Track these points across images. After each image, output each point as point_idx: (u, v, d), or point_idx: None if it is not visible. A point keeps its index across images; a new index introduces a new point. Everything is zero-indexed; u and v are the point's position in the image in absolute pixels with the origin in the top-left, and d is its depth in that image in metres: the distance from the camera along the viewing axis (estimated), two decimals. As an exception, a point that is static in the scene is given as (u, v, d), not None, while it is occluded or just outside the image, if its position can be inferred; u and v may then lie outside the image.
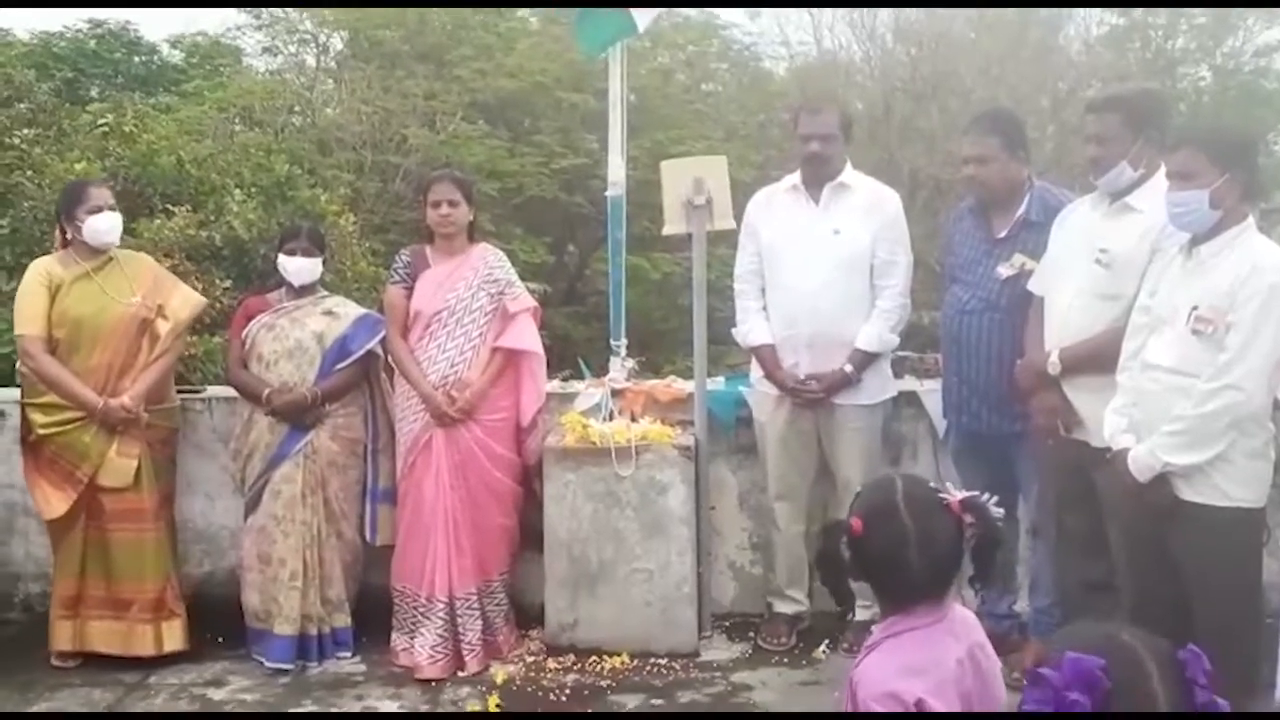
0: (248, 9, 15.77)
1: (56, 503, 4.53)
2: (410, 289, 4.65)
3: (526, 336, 4.70)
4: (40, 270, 4.58)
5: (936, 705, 2.05)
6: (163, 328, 4.61)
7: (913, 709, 2.04)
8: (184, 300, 4.76)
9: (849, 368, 4.54)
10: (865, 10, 17.04)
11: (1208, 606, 3.37)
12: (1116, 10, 17.26)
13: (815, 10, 17.47)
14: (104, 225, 4.57)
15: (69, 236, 4.62)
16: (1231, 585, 3.41)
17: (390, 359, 4.72)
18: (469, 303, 4.62)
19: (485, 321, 4.64)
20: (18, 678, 4.54)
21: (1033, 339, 4.04)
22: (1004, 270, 4.22)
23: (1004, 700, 2.15)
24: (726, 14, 17.85)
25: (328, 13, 15.55)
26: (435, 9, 15.31)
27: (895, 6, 16.40)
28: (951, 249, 4.50)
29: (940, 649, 2.13)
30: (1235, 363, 3.26)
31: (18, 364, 4.71)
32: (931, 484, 2.21)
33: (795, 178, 4.71)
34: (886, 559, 2.13)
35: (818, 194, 4.63)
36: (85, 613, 4.60)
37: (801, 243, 4.60)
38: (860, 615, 4.56)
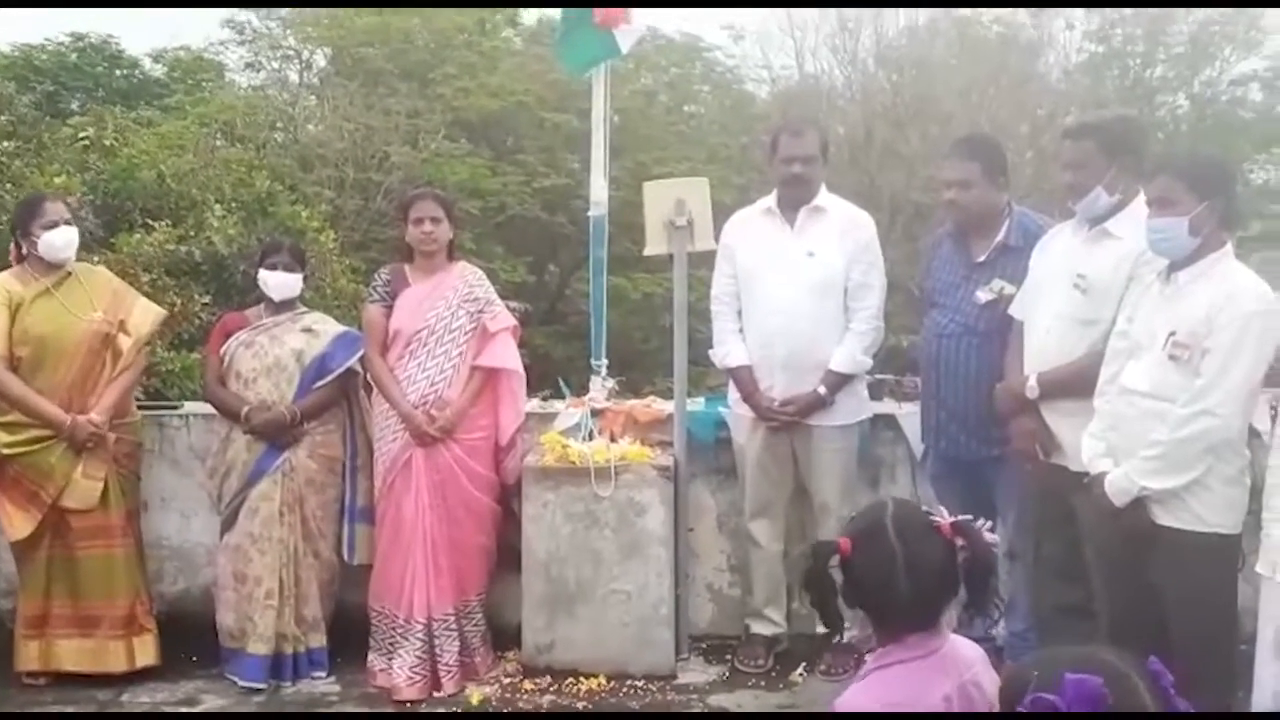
0: (231, 23, 15.77)
1: (20, 523, 4.46)
2: (390, 308, 4.63)
3: (506, 355, 4.69)
4: None
5: None
6: (125, 343, 4.56)
7: None
8: (144, 313, 4.71)
9: (822, 389, 4.55)
10: (847, 35, 17.18)
11: (1183, 631, 3.38)
12: (1095, 38, 17.44)
13: (797, 34, 17.61)
14: (60, 240, 4.50)
15: (24, 251, 4.54)
16: (1207, 610, 3.42)
17: (369, 378, 4.70)
18: (449, 321, 4.60)
19: (465, 340, 4.62)
20: (-12, 694, 4.50)
21: (1012, 363, 4.05)
22: (983, 295, 4.24)
23: None
24: (709, 37, 18.01)
25: (311, 29, 15.58)
26: (418, 26, 15.34)
27: (888, 6, 16.52)
28: (930, 273, 4.52)
29: (924, 685, 2.11)
30: (1211, 389, 3.28)
31: None
32: (925, 509, 2.21)
33: (770, 200, 4.73)
34: (874, 582, 2.11)
35: (793, 217, 4.65)
36: (51, 632, 4.54)
37: (777, 265, 4.62)
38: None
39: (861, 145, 15.76)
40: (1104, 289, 3.76)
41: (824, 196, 4.67)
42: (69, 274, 4.57)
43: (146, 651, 4.60)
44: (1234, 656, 3.51)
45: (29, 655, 4.55)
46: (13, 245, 4.63)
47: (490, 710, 4.38)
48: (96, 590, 4.54)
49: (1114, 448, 3.50)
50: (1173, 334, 3.36)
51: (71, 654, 4.54)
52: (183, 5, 15.53)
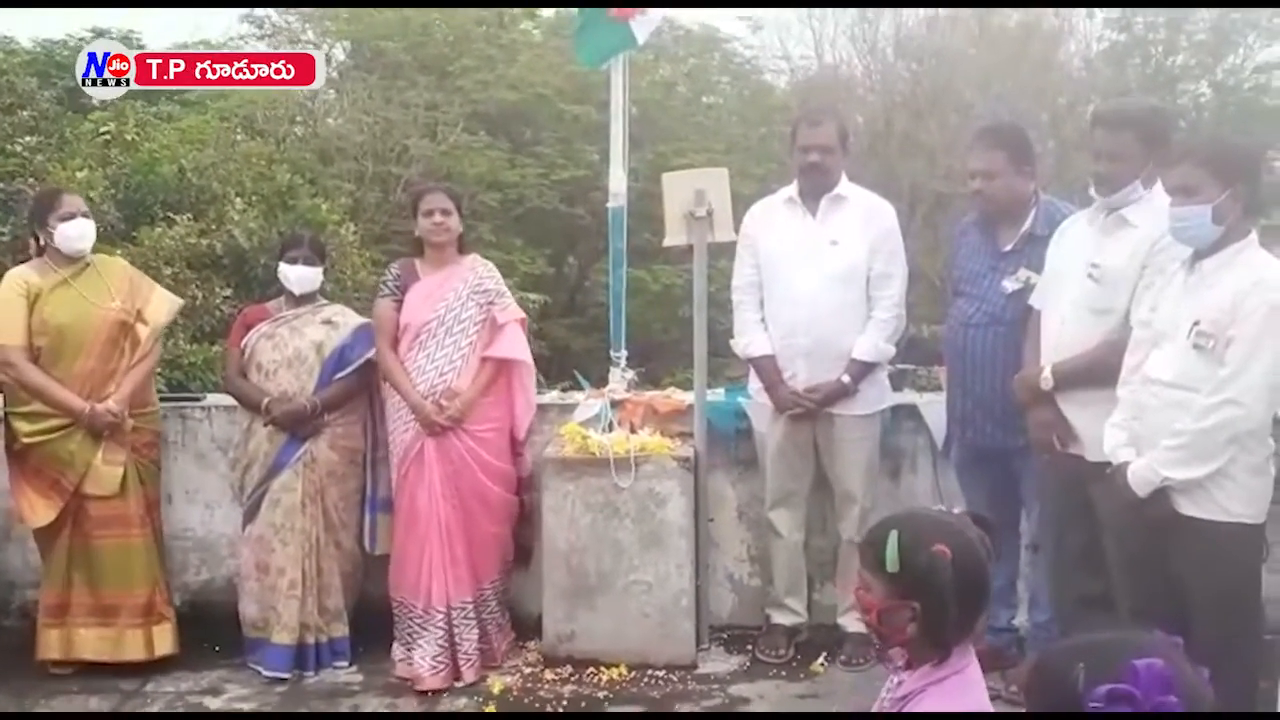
0: (251, 17, 15.80)
1: (43, 511, 4.51)
2: (400, 302, 4.64)
3: (516, 346, 4.70)
4: (17, 279, 4.54)
5: None
6: (142, 331, 4.59)
7: None
8: (161, 302, 4.74)
9: (846, 378, 4.54)
10: (866, 25, 17.12)
11: (1206, 622, 3.35)
12: (1117, 26, 17.32)
13: (816, 24, 17.55)
14: (75, 232, 4.53)
15: (43, 244, 4.58)
16: (1230, 601, 3.40)
17: (380, 371, 4.71)
18: (458, 313, 4.61)
19: (475, 331, 4.63)
20: (13, 684, 4.53)
21: (1030, 353, 4.04)
22: (1009, 284, 4.22)
23: None
24: (728, 27, 17.94)
25: (330, 23, 15.60)
26: (437, 19, 15.34)
27: (897, 6, 16.45)
28: (956, 262, 4.50)
29: (982, 689, 2.13)
30: (1235, 378, 3.25)
31: None
32: (938, 508, 2.22)
33: (792, 190, 4.73)
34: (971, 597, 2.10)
35: (815, 206, 4.64)
36: (72, 621, 4.58)
37: (799, 254, 4.61)
38: (857, 628, 4.57)
39: (881, 135, 15.70)
40: (1118, 278, 3.74)
41: (845, 185, 4.66)
42: (87, 265, 4.61)
43: (165, 641, 4.63)
44: (1258, 647, 3.49)
45: (49, 644, 4.59)
46: (32, 239, 4.67)
47: (511, 700, 4.39)
48: (115, 579, 4.57)
49: (1137, 437, 3.48)
50: (1197, 323, 3.33)
51: (91, 643, 4.57)
52: (200, 5, 15.54)
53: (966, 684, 2.11)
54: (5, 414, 4.61)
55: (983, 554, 2.09)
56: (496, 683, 4.49)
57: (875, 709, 2.23)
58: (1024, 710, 1.72)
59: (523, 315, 4.81)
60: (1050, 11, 17.03)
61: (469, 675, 4.52)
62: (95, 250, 4.73)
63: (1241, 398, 3.25)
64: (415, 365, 4.58)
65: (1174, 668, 1.59)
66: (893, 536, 2.08)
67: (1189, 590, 3.41)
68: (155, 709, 4.37)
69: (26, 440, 4.50)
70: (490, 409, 4.64)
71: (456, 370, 4.58)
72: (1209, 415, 3.28)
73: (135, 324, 4.60)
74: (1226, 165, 3.37)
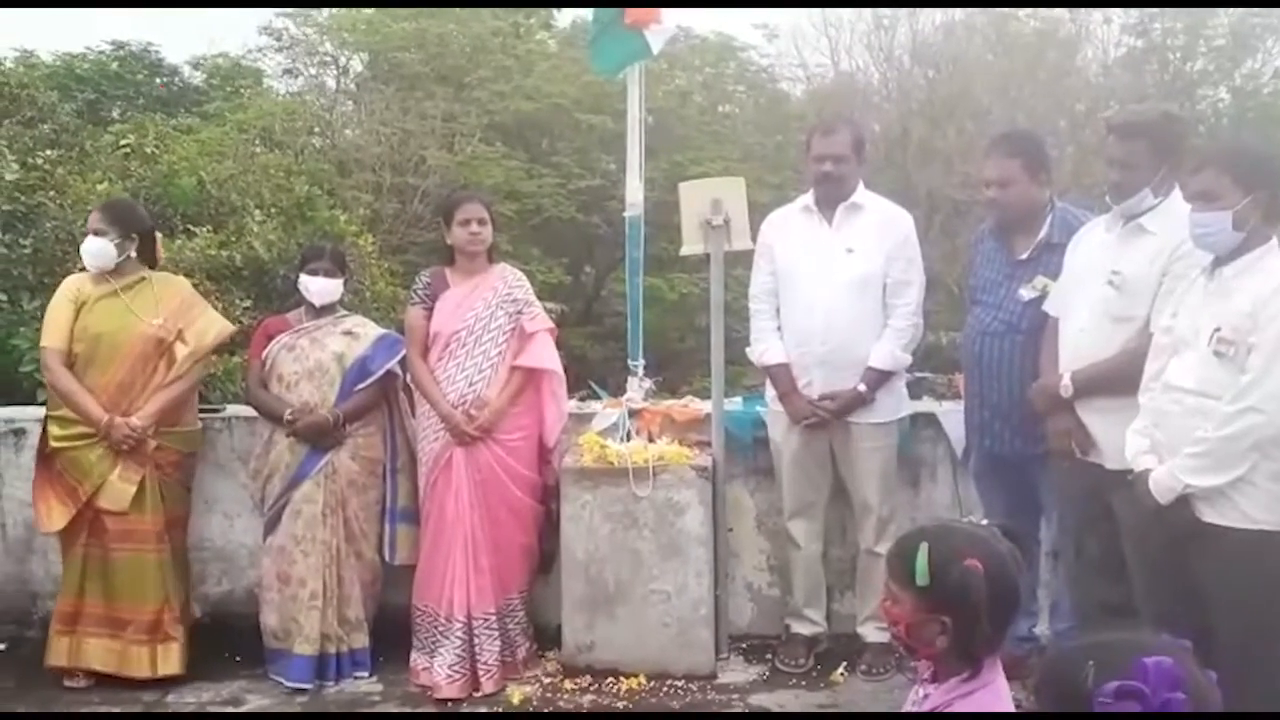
0: (269, 29, 15.90)
1: (57, 516, 4.55)
2: (430, 310, 4.66)
3: (545, 356, 4.71)
4: (71, 285, 4.66)
5: None
6: (181, 351, 4.61)
7: None
8: (208, 326, 4.74)
9: (862, 387, 4.53)
10: (882, 32, 17.11)
11: (1229, 629, 3.34)
12: (1134, 32, 17.26)
13: (833, 32, 17.55)
14: (87, 249, 4.60)
15: None
16: (1253, 608, 3.37)
17: (410, 379, 4.74)
18: (487, 322, 4.63)
19: (504, 341, 4.65)
20: (35, 694, 4.56)
21: (1047, 360, 4.02)
22: (1026, 292, 4.21)
23: None
24: (743, 36, 17.98)
25: (348, 35, 15.69)
26: (454, 30, 15.41)
27: (922, 6, 16.44)
28: (973, 271, 4.49)
29: (1010, 703, 2.12)
30: (1257, 384, 3.24)
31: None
32: (969, 517, 2.21)
33: (808, 198, 4.72)
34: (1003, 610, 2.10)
35: (831, 214, 4.64)
36: (82, 629, 4.59)
37: (815, 262, 4.60)
38: (876, 637, 4.55)
39: (898, 142, 15.69)
40: (1138, 286, 3.73)
41: (861, 194, 4.65)
42: (143, 279, 4.67)
43: (170, 661, 4.60)
44: (1281, 654, 3.47)
45: (59, 651, 4.60)
46: None
47: (531, 710, 4.39)
48: (126, 592, 4.58)
49: (1158, 445, 3.46)
50: (1217, 330, 3.32)
51: (99, 653, 4.58)
52: (222, 5, 15.66)
53: (995, 697, 2.09)
54: (46, 417, 4.67)
55: (1014, 568, 2.08)
56: (516, 692, 4.49)
57: None
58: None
59: (552, 325, 4.82)
60: (1067, 18, 17.01)
61: (488, 686, 4.52)
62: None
63: (1263, 405, 3.23)
64: (445, 374, 4.60)
65: (1182, 667, 1.59)
66: (923, 549, 2.06)
67: (1211, 598, 3.39)
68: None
69: (55, 444, 4.56)
70: (519, 418, 4.65)
71: (486, 379, 4.60)
72: (1230, 422, 3.26)
73: (174, 343, 4.61)
74: (1247, 171, 3.35)
